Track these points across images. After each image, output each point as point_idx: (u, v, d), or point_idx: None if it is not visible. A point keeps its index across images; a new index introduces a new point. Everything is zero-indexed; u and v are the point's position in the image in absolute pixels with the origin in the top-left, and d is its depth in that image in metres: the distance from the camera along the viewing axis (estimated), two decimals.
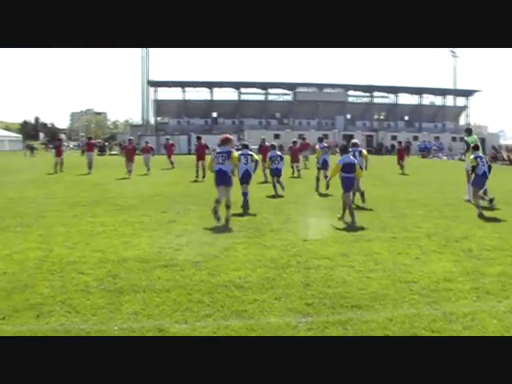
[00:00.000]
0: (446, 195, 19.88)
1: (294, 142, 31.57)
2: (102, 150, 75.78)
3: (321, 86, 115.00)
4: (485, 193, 16.29)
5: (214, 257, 9.80)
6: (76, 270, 8.91)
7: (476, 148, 16.46)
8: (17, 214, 15.05)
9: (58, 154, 34.24)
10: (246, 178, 16.08)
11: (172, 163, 36.90)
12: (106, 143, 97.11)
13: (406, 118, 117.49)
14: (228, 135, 15.05)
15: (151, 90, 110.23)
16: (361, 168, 14.97)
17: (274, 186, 20.16)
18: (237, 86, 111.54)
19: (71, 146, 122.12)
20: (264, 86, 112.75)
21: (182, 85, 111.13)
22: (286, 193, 20.14)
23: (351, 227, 12.82)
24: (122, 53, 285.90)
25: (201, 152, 28.35)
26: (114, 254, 9.99)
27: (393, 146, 77.89)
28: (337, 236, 11.75)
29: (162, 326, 6.36)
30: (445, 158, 62.91)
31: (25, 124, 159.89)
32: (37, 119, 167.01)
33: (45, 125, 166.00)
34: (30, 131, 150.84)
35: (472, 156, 16.17)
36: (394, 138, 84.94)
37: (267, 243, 11.01)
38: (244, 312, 6.89)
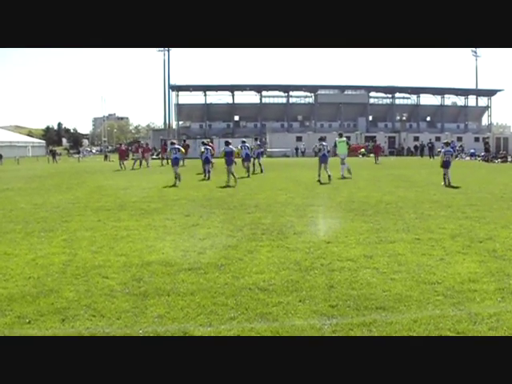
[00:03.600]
0: (469, 196, 19.71)
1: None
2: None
3: (342, 88, 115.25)
4: (329, 178, 26.37)
5: (238, 260, 9.79)
6: (100, 274, 8.96)
7: (336, 144, 30.29)
8: (41, 218, 15.20)
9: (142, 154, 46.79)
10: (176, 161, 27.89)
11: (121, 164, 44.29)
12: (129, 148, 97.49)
13: (428, 118, 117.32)
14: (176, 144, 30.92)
15: (173, 94, 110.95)
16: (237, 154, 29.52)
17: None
18: (258, 89, 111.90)
19: (94, 151, 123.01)
20: (285, 88, 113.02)
21: (204, 89, 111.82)
22: (309, 195, 20.15)
23: (374, 229, 12.79)
24: (144, 58, 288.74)
25: (164, 149, 48.81)
26: (138, 258, 10.02)
27: (415, 149, 77.62)
28: (360, 238, 11.69)
29: (186, 329, 6.36)
30: (467, 158, 62.37)
31: (48, 130, 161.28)
32: (59, 125, 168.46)
33: (67, 130, 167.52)
34: (53, 137, 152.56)
35: (318, 143, 28.66)
36: (416, 139, 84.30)
37: (291, 246, 10.98)
38: (268, 314, 6.87)
